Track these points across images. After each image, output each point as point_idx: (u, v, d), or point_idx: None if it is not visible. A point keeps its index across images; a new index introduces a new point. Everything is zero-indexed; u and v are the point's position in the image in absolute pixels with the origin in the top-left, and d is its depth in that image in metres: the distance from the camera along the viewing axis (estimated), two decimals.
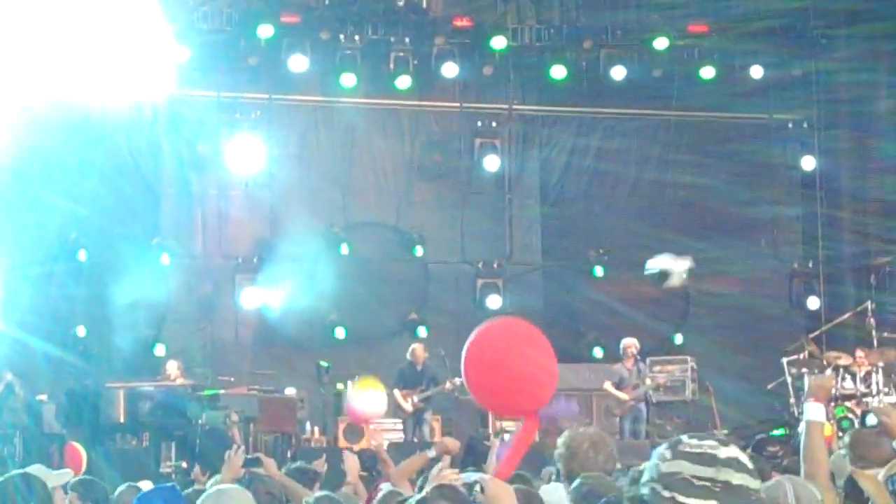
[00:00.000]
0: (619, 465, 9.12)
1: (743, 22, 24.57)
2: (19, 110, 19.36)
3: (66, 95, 20.54)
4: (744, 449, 3.23)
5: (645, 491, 3.14)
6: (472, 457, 13.46)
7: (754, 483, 3.11)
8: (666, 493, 3.07)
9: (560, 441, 6.46)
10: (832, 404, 18.89)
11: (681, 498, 3.04)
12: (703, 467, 3.06)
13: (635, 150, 25.25)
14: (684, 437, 3.17)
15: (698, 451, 3.10)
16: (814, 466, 6.11)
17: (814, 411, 6.39)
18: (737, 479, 3.07)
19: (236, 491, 6.78)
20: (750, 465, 3.13)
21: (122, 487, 9.06)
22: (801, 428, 6.57)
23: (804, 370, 19.18)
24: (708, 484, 3.05)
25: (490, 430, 20.81)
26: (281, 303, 22.95)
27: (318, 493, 8.92)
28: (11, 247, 19.98)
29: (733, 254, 25.03)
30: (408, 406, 20.88)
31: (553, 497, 7.03)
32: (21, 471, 7.12)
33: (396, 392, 20.86)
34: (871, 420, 11.15)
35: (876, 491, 6.12)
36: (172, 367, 20.63)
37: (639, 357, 21.45)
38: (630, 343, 21.41)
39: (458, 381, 20.91)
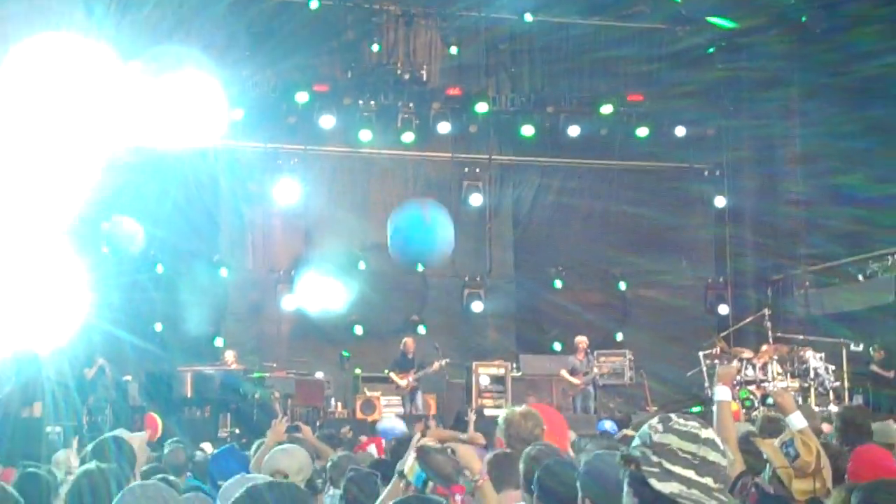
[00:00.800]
0: (572, 434, 9.10)
1: (669, 92, 24.62)
2: (110, 155, 19.36)
3: (146, 143, 20.60)
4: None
5: (637, 453, 3.14)
6: (461, 426, 13.41)
7: (723, 461, 3.13)
8: (655, 459, 3.08)
9: (500, 417, 6.47)
10: (737, 388, 18.89)
11: (667, 465, 3.06)
12: (688, 443, 3.09)
13: (587, 190, 25.21)
14: (674, 416, 3.19)
15: (685, 429, 3.12)
16: (724, 434, 6.11)
17: (722, 393, 6.55)
18: (712, 456, 3.09)
19: (295, 448, 6.87)
20: (721, 447, 3.15)
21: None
22: (714, 406, 6.63)
23: (715, 361, 19.14)
24: (689, 457, 3.07)
25: (471, 407, 20.80)
26: (312, 306, 22.91)
27: (341, 453, 8.95)
28: (106, 261, 19.93)
29: (662, 270, 25.05)
30: (403, 384, 20.99)
31: None
32: (112, 433, 7.16)
33: (393, 375, 21.02)
34: (770, 400, 11.18)
35: (773, 453, 6.10)
36: (229, 355, 20.64)
37: (588, 350, 21.44)
38: (581, 339, 21.42)
39: (444, 362, 21.00)
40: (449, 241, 18.22)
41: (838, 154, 22.96)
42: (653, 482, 3.05)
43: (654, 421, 3.19)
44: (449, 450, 5.52)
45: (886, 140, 21.61)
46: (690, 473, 3.06)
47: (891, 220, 21.65)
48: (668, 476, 3.06)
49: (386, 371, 21.85)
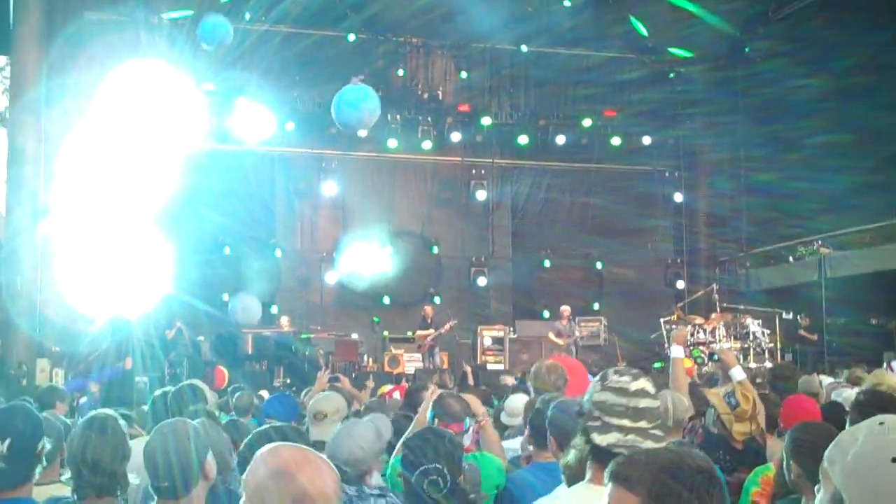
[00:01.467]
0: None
1: (637, 109, 24.53)
2: (186, 156, 19.40)
3: (215, 146, 20.66)
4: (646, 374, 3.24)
5: (586, 408, 3.14)
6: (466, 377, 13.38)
7: (654, 403, 3.12)
8: (596, 413, 3.08)
9: (532, 369, 6.45)
10: (690, 348, 18.88)
11: (605, 418, 3.06)
12: (621, 397, 3.08)
13: (571, 188, 25.18)
14: (610, 373, 3.18)
15: (618, 385, 3.11)
16: (678, 384, 6.17)
17: (676, 351, 6.54)
18: (643, 403, 3.08)
19: (333, 394, 7.00)
20: (652, 391, 3.14)
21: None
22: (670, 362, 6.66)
23: (673, 326, 19.14)
24: (622, 409, 3.06)
25: (476, 362, 20.89)
26: (349, 281, 22.91)
27: (372, 398, 9.01)
28: (184, 243, 19.97)
29: (630, 251, 24.99)
30: (424, 343, 21.07)
31: (518, 402, 7.02)
32: (188, 382, 7.22)
33: (418, 334, 21.11)
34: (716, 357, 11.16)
35: (717, 401, 6.13)
36: (284, 320, 20.70)
37: (571, 317, 21.43)
38: (565, 308, 21.42)
39: (453, 322, 21.05)
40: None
41: (761, 158, 22.99)
42: (594, 436, 3.05)
43: (595, 380, 3.20)
44: (458, 396, 5.61)
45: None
46: (625, 422, 3.04)
47: (807, 209, 21.71)
48: (608, 428, 3.05)
49: (410, 333, 21.93)
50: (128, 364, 14.01)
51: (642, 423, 3.05)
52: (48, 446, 4.03)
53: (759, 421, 6.19)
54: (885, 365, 13.20)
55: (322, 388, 8.46)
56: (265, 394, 11.90)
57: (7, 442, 3.83)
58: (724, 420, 6.08)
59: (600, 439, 3.04)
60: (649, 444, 3.02)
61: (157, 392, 7.10)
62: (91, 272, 20.55)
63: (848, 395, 7.30)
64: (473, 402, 5.66)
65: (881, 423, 2.12)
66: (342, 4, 22.52)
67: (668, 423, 5.98)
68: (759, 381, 10.13)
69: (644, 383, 3.14)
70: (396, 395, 9.83)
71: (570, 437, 3.30)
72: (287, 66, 22.94)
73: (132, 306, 17.87)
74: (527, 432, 5.28)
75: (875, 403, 5.15)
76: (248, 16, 22.15)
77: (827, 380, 10.16)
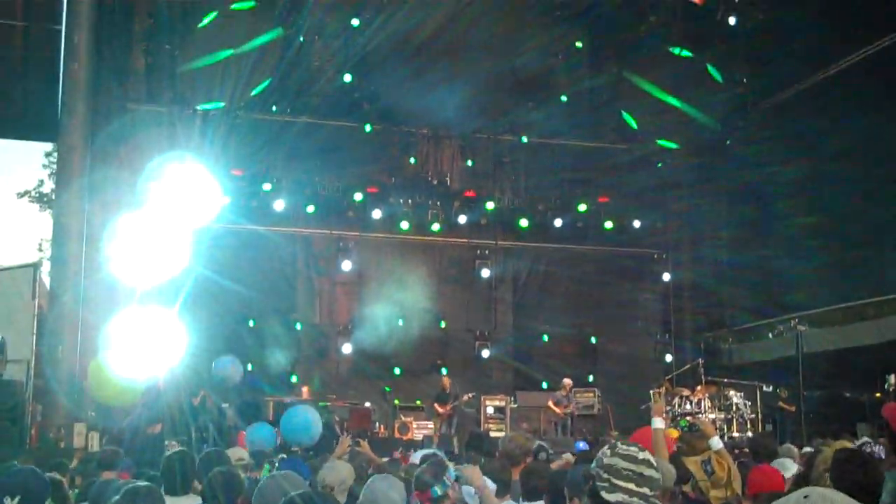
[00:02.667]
0: (551, 450, 9.25)
1: (628, 195, 24.80)
2: (216, 235, 19.65)
3: (243, 227, 20.95)
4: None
5: (593, 471, 3.28)
6: (474, 443, 13.42)
7: (656, 474, 3.27)
8: (605, 476, 3.22)
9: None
10: (678, 418, 18.94)
11: (614, 480, 3.19)
12: (629, 463, 3.22)
13: (566, 267, 25.14)
14: (619, 443, 3.34)
15: (627, 452, 3.26)
16: (659, 453, 6.30)
17: (656, 423, 6.69)
18: (647, 472, 3.23)
19: (340, 464, 6.90)
20: (655, 464, 3.30)
21: None
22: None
23: (654, 399, 19.13)
24: (630, 473, 3.20)
25: (481, 429, 20.88)
26: (363, 352, 23.00)
27: (385, 459, 9.13)
28: (212, 315, 20.12)
29: (622, 328, 25.09)
30: (442, 412, 20.98)
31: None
32: (215, 448, 7.36)
33: (436, 405, 21.04)
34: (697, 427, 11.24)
35: (696, 468, 6.29)
36: (305, 390, 20.72)
37: (571, 389, 21.46)
38: (567, 381, 21.41)
39: (471, 395, 21.04)
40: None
41: (742, 240, 23.22)
42: (603, 494, 3.18)
43: (605, 448, 3.34)
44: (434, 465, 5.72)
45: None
46: (631, 486, 3.16)
47: (784, 289, 21.89)
48: (615, 489, 3.17)
49: (418, 402, 21.97)
50: (157, 429, 14.14)
51: (645, 490, 3.19)
52: None
53: (735, 487, 6.33)
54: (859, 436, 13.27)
55: (343, 451, 8.56)
56: (284, 457, 11.99)
57: (17, 499, 4.05)
58: (702, 486, 6.22)
59: (609, 496, 3.17)
60: None
61: (171, 452, 7.08)
62: (124, 343, 20.73)
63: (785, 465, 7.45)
64: (474, 473, 5.80)
65: (806, 497, 2.25)
66: (360, 98, 22.96)
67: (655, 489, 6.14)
68: (736, 451, 10.26)
69: (649, 455, 3.30)
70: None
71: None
72: (309, 153, 23.31)
73: (163, 375, 18.04)
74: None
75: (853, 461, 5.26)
76: (274, 108, 22.61)
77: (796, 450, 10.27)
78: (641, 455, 3.25)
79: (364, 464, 7.98)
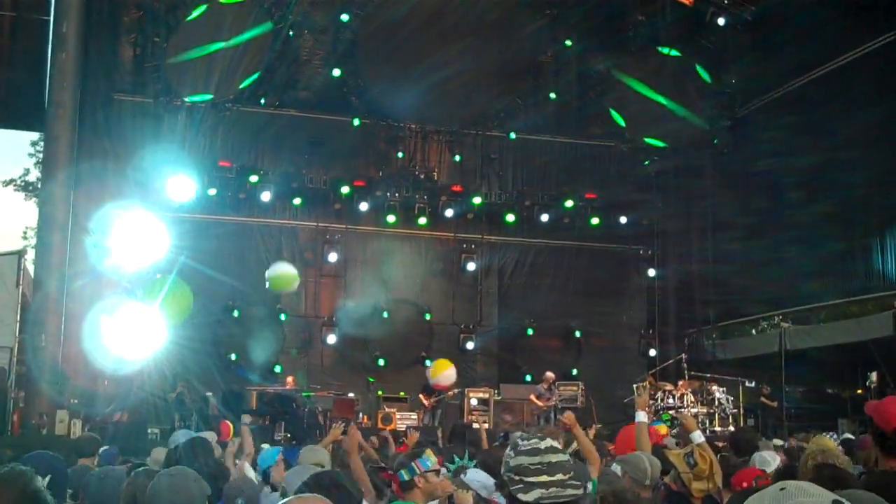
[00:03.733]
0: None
1: (615, 192, 24.74)
2: (200, 226, 19.51)
3: (229, 218, 20.76)
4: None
5: (505, 478, 3.16)
6: (457, 434, 13.28)
7: (564, 457, 3.15)
8: (516, 477, 3.10)
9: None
10: (661, 412, 18.87)
11: (526, 479, 3.07)
12: (534, 457, 3.10)
13: (552, 262, 25.18)
14: (519, 440, 3.21)
15: (528, 447, 3.14)
16: (641, 446, 6.20)
17: (639, 416, 6.60)
18: (554, 458, 3.11)
19: (317, 448, 6.93)
20: (560, 447, 3.19)
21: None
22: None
23: (638, 393, 19.06)
24: (538, 466, 3.08)
25: (465, 420, 20.76)
26: (347, 343, 22.92)
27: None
28: (199, 305, 19.93)
29: (607, 322, 25.04)
30: (427, 403, 20.92)
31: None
32: (197, 434, 7.29)
33: (421, 396, 20.95)
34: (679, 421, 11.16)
35: (678, 461, 6.16)
36: (290, 379, 20.60)
37: (553, 382, 21.38)
38: (549, 374, 21.33)
39: (455, 390, 20.96)
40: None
41: (727, 238, 23.22)
42: (520, 496, 3.05)
43: (508, 450, 3.22)
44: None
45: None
46: (543, 478, 3.05)
47: (768, 286, 21.87)
48: (530, 487, 3.05)
49: (402, 393, 21.86)
50: (124, 417, 14.04)
51: (559, 476, 3.08)
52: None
53: (717, 480, 6.21)
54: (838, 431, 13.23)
55: (335, 437, 8.45)
56: (266, 447, 11.86)
57: (48, 478, 3.98)
58: (684, 478, 6.10)
59: (526, 497, 3.05)
60: (570, 493, 3.07)
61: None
62: (107, 331, 20.52)
63: (765, 458, 7.41)
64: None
65: (782, 489, 2.14)
66: (348, 92, 22.82)
67: (645, 482, 6.03)
68: (718, 444, 10.16)
69: (551, 441, 3.19)
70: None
71: None
72: (298, 146, 23.23)
73: (146, 363, 17.89)
74: None
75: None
76: (262, 101, 22.46)
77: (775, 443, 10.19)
78: (544, 444, 3.15)
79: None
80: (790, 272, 21.73)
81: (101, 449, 9.10)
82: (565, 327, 24.71)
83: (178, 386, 18.92)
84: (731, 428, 18.36)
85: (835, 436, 8.44)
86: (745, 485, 5.88)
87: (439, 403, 21.09)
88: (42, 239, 16.77)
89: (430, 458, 5.42)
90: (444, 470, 5.78)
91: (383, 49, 22.74)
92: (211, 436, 8.37)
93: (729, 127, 23.17)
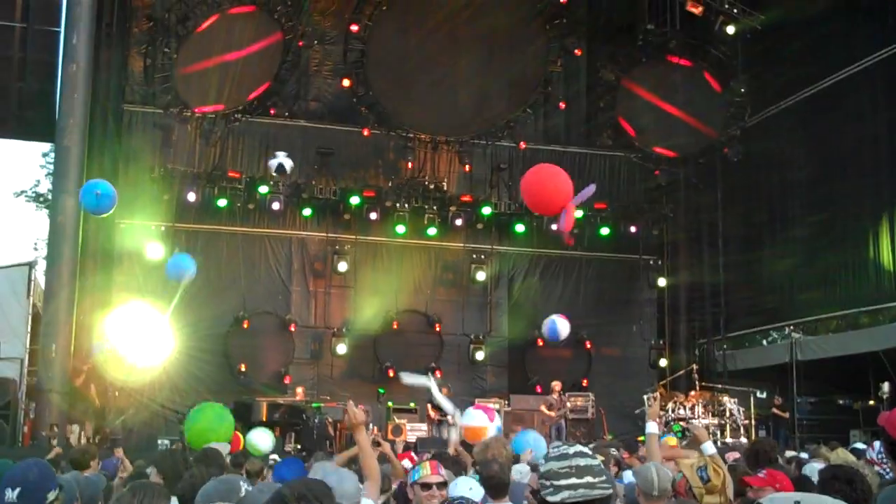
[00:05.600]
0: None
1: (625, 202, 24.78)
2: (210, 237, 19.54)
3: (239, 228, 20.78)
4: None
5: (538, 486, 3.25)
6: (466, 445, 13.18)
7: (594, 462, 3.21)
8: (546, 482, 3.17)
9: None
10: (672, 423, 18.81)
11: (555, 482, 3.14)
12: (561, 461, 3.18)
13: (562, 273, 25.17)
14: (551, 448, 3.30)
15: (557, 453, 3.22)
16: (651, 457, 6.18)
17: (650, 427, 6.56)
18: (583, 462, 3.17)
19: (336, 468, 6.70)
20: (589, 452, 3.24)
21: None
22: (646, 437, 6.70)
23: (650, 403, 19.00)
24: (567, 470, 3.15)
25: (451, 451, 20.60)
26: (357, 353, 22.91)
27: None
28: (209, 316, 19.97)
29: (617, 333, 25.01)
30: (433, 415, 20.82)
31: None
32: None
33: (428, 407, 20.85)
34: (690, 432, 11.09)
35: (690, 474, 6.13)
36: (300, 390, 20.60)
37: (561, 392, 21.31)
38: (556, 383, 21.23)
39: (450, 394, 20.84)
40: None
41: (738, 249, 23.18)
42: (549, 499, 3.12)
43: (540, 458, 3.31)
44: None
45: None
46: (572, 480, 3.12)
47: (779, 297, 21.81)
48: (557, 490, 3.12)
49: (412, 404, 21.80)
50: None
51: (588, 479, 3.14)
52: (59, 498, 4.11)
53: (728, 494, 6.17)
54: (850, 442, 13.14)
55: (355, 454, 8.22)
56: (275, 457, 11.84)
57: (17, 490, 3.97)
58: (695, 492, 6.06)
59: (553, 498, 3.12)
60: (598, 493, 3.12)
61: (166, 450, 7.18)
62: (120, 343, 20.54)
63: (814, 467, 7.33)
64: None
65: (797, 502, 2.16)
66: (358, 102, 22.85)
67: (653, 493, 6.01)
68: (732, 456, 10.10)
69: (581, 448, 3.24)
70: (406, 461, 9.69)
71: None
72: (308, 156, 23.36)
73: (157, 374, 17.91)
74: None
75: (840, 477, 5.19)
76: (272, 111, 22.52)
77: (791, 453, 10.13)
78: (573, 450, 3.23)
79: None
80: (801, 282, 21.70)
81: (105, 459, 9.12)
82: (575, 338, 24.54)
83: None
84: (743, 439, 18.27)
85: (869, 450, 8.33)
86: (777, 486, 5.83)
87: (446, 416, 21.00)
88: (53, 250, 16.82)
89: (423, 470, 5.47)
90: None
91: (393, 59, 22.75)
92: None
93: (739, 136, 23.11)
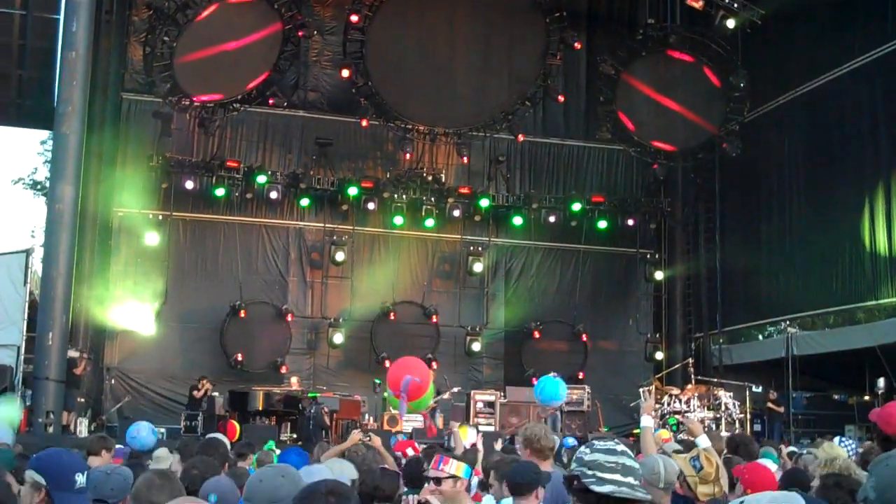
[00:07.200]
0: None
1: (623, 195, 24.84)
2: (208, 226, 19.53)
3: (236, 218, 20.77)
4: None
5: (576, 472, 3.30)
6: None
7: (637, 464, 3.32)
8: (589, 472, 3.25)
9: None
10: (667, 416, 18.85)
11: (599, 474, 3.23)
12: (610, 456, 3.27)
13: (559, 265, 25.24)
14: (596, 442, 3.37)
15: (606, 447, 3.31)
16: (646, 450, 6.22)
17: (645, 421, 6.61)
18: (629, 462, 3.28)
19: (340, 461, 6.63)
20: (632, 454, 3.34)
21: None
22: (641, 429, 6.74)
23: (645, 397, 19.02)
24: (614, 465, 3.25)
25: (469, 423, 20.65)
26: (353, 344, 22.94)
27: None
28: (206, 306, 19.96)
29: (614, 326, 25.12)
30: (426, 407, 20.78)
31: None
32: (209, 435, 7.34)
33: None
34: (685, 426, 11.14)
35: (684, 465, 6.17)
36: (295, 380, 20.64)
37: None
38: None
39: (455, 390, 20.88)
40: None
41: (736, 242, 23.20)
42: (593, 488, 3.21)
43: (583, 448, 3.37)
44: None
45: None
46: (617, 476, 3.21)
47: (776, 292, 21.85)
48: (603, 481, 3.21)
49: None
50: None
51: (630, 479, 3.24)
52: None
53: (723, 484, 6.22)
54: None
55: (353, 443, 8.27)
56: (271, 444, 11.87)
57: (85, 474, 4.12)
58: (690, 482, 6.11)
59: (599, 489, 3.21)
60: (639, 495, 3.23)
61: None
62: (115, 328, 20.59)
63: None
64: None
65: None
66: (357, 93, 22.84)
67: (659, 485, 6.03)
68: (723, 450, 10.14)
69: (625, 447, 3.32)
70: (409, 450, 9.64)
71: None
72: (307, 147, 23.44)
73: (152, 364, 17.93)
74: None
75: (843, 486, 5.21)
76: (271, 101, 22.51)
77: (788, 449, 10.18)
78: (620, 447, 3.30)
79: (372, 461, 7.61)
80: (797, 277, 21.74)
81: (117, 447, 9.11)
82: (571, 330, 24.64)
83: (201, 383, 19.16)
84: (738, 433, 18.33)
85: (844, 440, 8.38)
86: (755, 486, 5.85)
87: (437, 405, 21.02)
88: (50, 237, 16.79)
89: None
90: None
91: (392, 51, 22.74)
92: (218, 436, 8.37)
93: (737, 131, 23.13)
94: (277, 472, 3.91)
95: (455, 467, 5.04)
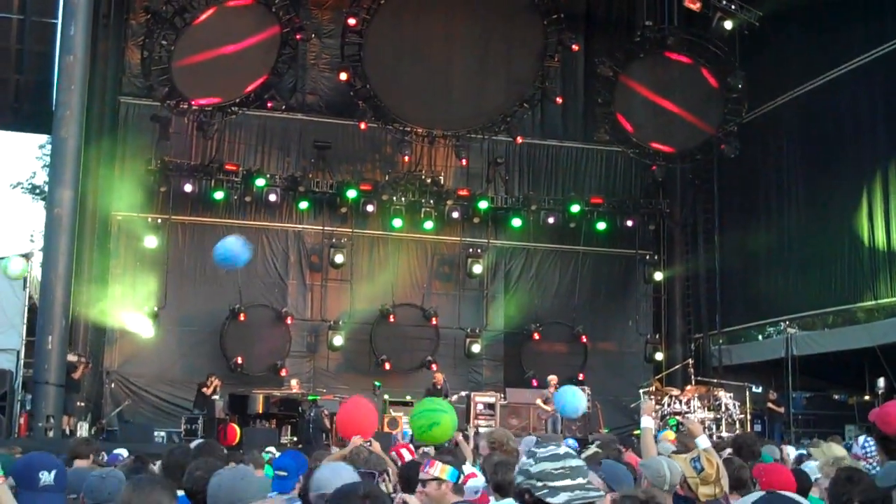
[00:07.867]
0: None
1: (622, 196, 24.84)
2: (207, 229, 19.52)
3: (235, 221, 20.79)
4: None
5: (525, 486, 3.20)
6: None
7: (581, 463, 3.23)
8: (539, 483, 3.15)
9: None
10: (668, 417, 18.82)
11: (550, 483, 3.13)
12: (556, 462, 3.18)
13: (558, 267, 25.22)
14: (537, 450, 3.27)
15: (549, 454, 3.21)
16: (646, 451, 6.20)
17: (645, 422, 6.57)
18: (574, 462, 3.19)
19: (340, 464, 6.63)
20: (574, 453, 3.27)
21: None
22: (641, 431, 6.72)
23: (652, 397, 19.07)
24: (562, 471, 3.15)
25: (469, 427, 20.66)
26: (353, 346, 22.92)
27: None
28: (206, 309, 19.94)
29: (613, 327, 25.10)
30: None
31: None
32: (204, 440, 7.31)
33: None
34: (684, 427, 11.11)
35: (684, 466, 6.16)
36: (294, 383, 20.60)
37: (557, 385, 21.27)
38: (552, 377, 21.21)
39: (462, 393, 20.84)
40: None
41: (735, 243, 23.21)
42: (549, 500, 3.11)
43: (525, 458, 3.28)
44: None
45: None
46: (567, 482, 3.13)
47: (775, 292, 21.86)
48: (556, 491, 3.12)
49: (409, 397, 21.74)
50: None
51: (580, 480, 3.15)
52: None
53: (723, 484, 6.20)
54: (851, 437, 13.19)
55: (354, 447, 8.20)
56: (271, 448, 11.85)
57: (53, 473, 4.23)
58: (690, 483, 6.10)
59: (554, 500, 3.11)
60: (593, 495, 3.15)
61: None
62: (114, 332, 20.56)
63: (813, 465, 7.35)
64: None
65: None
66: (355, 96, 22.83)
67: (664, 487, 6.01)
68: (724, 450, 10.12)
69: (569, 449, 3.26)
70: (405, 452, 9.60)
71: None
72: (306, 150, 23.48)
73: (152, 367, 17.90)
74: None
75: (855, 480, 5.20)
76: (269, 104, 22.51)
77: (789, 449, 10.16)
78: (562, 450, 3.23)
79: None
80: (796, 277, 21.74)
81: (114, 451, 9.11)
82: (571, 332, 24.62)
83: (210, 379, 19.17)
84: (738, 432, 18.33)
85: (867, 441, 8.33)
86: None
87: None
88: (49, 242, 16.77)
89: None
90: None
91: (390, 53, 22.74)
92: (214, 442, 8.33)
93: (735, 132, 23.15)
94: (237, 475, 4.03)
95: (440, 470, 5.03)
